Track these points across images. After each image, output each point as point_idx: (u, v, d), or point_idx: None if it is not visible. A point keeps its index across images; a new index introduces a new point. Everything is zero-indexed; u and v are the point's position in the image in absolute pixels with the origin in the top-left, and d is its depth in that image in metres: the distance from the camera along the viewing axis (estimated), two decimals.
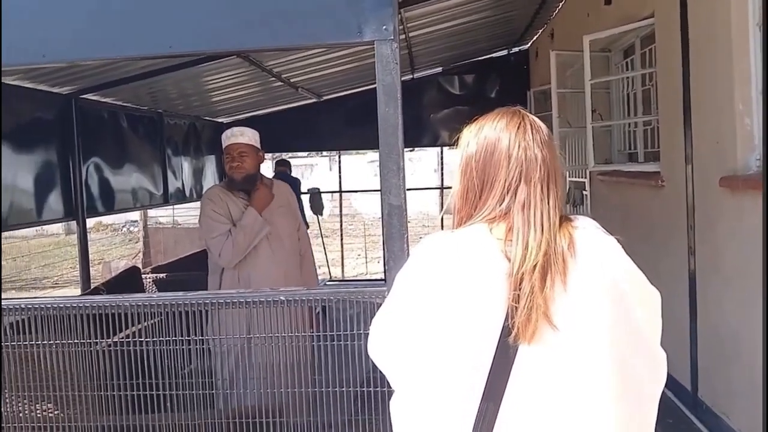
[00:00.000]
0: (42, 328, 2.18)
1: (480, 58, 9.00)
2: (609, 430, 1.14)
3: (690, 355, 3.54)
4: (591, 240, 1.20)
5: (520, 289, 1.11)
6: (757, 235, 2.73)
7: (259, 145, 3.43)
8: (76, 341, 2.16)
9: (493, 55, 9.05)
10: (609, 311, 1.15)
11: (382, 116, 1.46)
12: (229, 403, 2.47)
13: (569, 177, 6.77)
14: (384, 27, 1.44)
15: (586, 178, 5.91)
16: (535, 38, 8.36)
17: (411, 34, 6.34)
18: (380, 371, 1.29)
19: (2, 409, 2.28)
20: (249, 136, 3.38)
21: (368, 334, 1.30)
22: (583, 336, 1.13)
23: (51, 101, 4.92)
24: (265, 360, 2.13)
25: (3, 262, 13.71)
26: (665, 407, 3.65)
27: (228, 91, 7.00)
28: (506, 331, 1.12)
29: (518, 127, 1.24)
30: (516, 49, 9.01)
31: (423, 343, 1.16)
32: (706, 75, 3.19)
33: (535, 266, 1.12)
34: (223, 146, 3.36)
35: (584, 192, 6.11)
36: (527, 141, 1.23)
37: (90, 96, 5.36)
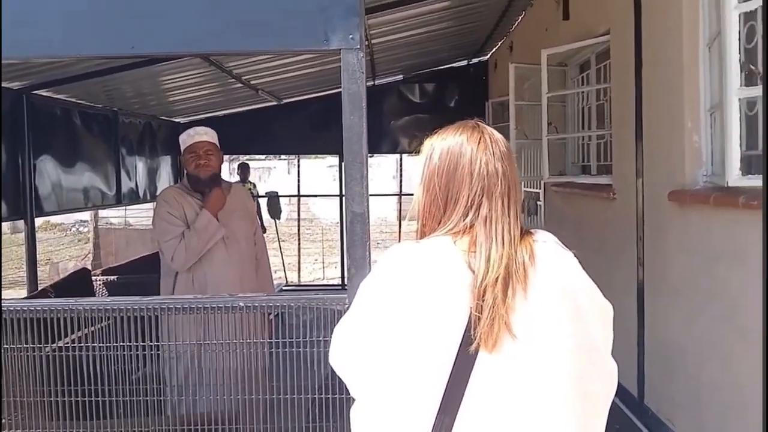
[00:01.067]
0: None
1: (441, 68, 9.13)
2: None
3: (637, 364, 3.64)
4: (551, 253, 1.24)
5: (483, 300, 1.13)
6: (702, 248, 2.84)
7: (219, 146, 3.40)
8: (21, 345, 2.10)
9: (454, 65, 9.19)
10: (567, 322, 1.18)
11: (347, 124, 1.47)
12: (178, 409, 2.43)
13: (524, 187, 6.91)
14: (350, 36, 1.46)
15: (540, 188, 6.04)
16: (494, 50, 8.51)
17: (373, 41, 6.37)
18: (338, 377, 1.29)
19: None
20: (211, 135, 3.35)
21: (325, 340, 1.30)
22: (542, 346, 1.16)
23: (1, 96, 4.76)
24: (216, 366, 2.10)
25: None
26: (613, 413, 3.75)
27: (186, 91, 6.89)
28: (466, 341, 1.13)
29: (479, 142, 1.27)
30: (476, 60, 9.16)
31: (384, 353, 1.17)
32: (657, 92, 3.31)
33: (497, 278, 1.15)
34: (186, 145, 3.29)
35: (538, 202, 6.24)
36: (488, 155, 1.26)
37: (42, 92, 5.21)
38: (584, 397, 1.21)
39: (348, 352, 1.25)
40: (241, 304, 1.63)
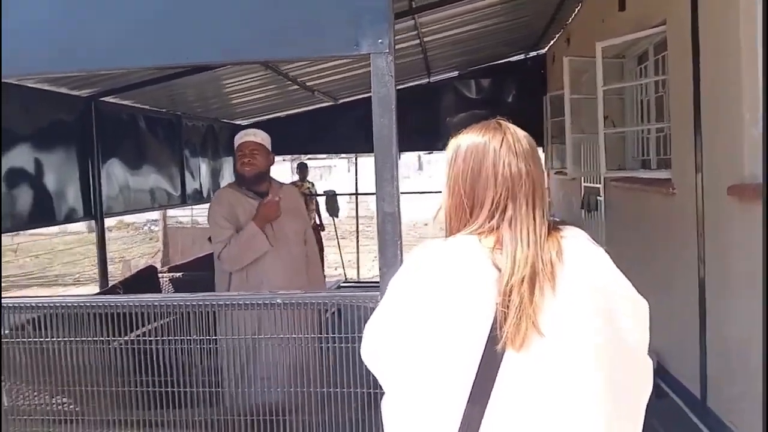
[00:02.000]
0: (58, 325, 2.25)
1: (497, 62, 9.01)
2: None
3: (699, 365, 3.52)
4: (579, 249, 1.23)
5: (509, 300, 1.14)
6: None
7: (270, 147, 3.48)
8: (90, 338, 2.23)
9: (511, 59, 9.06)
10: (596, 318, 1.17)
11: (377, 127, 1.50)
12: (235, 401, 2.52)
13: (584, 182, 6.75)
14: (380, 41, 1.48)
15: (600, 183, 5.89)
16: (551, 43, 8.34)
17: (425, 39, 6.37)
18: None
19: (20, 403, 2.36)
20: (261, 137, 3.44)
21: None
22: (570, 343, 1.15)
23: (71, 104, 5.04)
24: (270, 360, 2.18)
25: (27, 259, 14.00)
26: (674, 415, 3.65)
27: (246, 94, 7.09)
28: (493, 338, 1.14)
29: (502, 143, 1.27)
30: (533, 54, 9.00)
31: (412, 347, 1.19)
32: (715, 84, 3.18)
33: (523, 278, 1.15)
34: (236, 146, 3.42)
35: (599, 198, 6.09)
36: (511, 156, 1.26)
37: (109, 99, 5.48)
38: (615, 395, 1.18)
39: (377, 346, 1.28)
40: (279, 301, 1.69)
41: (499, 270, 1.17)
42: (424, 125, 8.06)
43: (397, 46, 4.91)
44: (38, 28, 1.79)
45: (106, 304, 2.24)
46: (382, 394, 1.25)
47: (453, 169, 1.31)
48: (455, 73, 9.07)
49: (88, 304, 2.26)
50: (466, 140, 1.31)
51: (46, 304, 2.27)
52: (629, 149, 5.18)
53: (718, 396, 3.36)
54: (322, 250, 8.62)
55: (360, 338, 1.93)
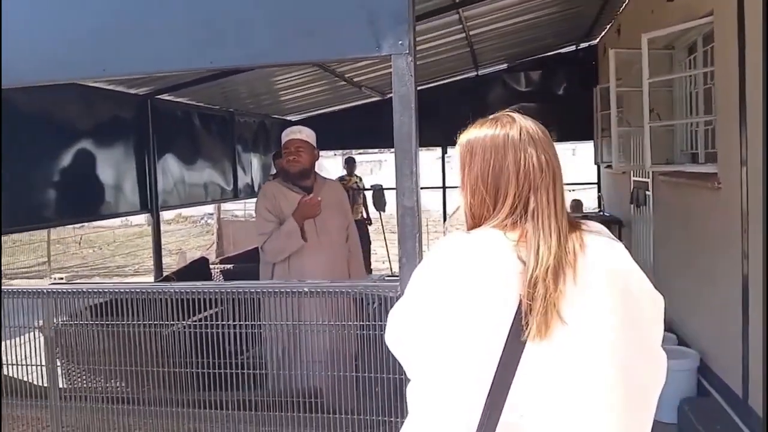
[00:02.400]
0: (117, 310, 2.41)
1: (547, 54, 8.90)
2: (612, 424, 1.20)
3: (742, 363, 3.45)
4: (600, 242, 1.26)
5: (534, 291, 1.16)
6: None
7: (314, 144, 3.61)
8: (144, 323, 2.37)
9: (561, 50, 8.93)
10: (617, 310, 1.20)
11: (398, 124, 1.57)
12: (277, 383, 2.64)
13: (633, 176, 6.63)
14: (400, 42, 1.54)
15: (649, 178, 5.78)
16: (603, 34, 8.19)
17: (471, 33, 6.38)
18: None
19: (78, 384, 2.54)
20: (306, 134, 3.58)
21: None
22: (589, 332, 1.18)
23: (128, 102, 5.30)
24: (307, 345, 2.29)
25: (90, 250, 14.67)
26: (715, 414, 3.59)
27: (295, 90, 7.26)
28: (516, 328, 1.17)
29: (519, 135, 1.28)
30: (584, 45, 8.85)
31: (437, 337, 1.22)
32: (760, 76, 3.11)
33: (547, 269, 1.17)
34: (282, 142, 3.58)
35: (647, 192, 5.98)
36: (531, 149, 1.27)
37: (164, 96, 5.72)
38: (630, 384, 1.22)
39: (401, 333, 1.32)
40: (306, 289, 1.79)
41: (524, 263, 1.19)
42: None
43: (442, 41, 4.97)
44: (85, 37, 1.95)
45: (154, 291, 2.38)
46: (408, 380, 1.31)
47: (473, 165, 1.31)
48: (504, 66, 9.01)
49: (140, 291, 2.41)
50: (481, 134, 1.31)
51: (107, 290, 2.43)
52: (678, 143, 5.07)
53: (760, 395, 3.29)
54: (369, 244, 8.73)
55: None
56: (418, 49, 5.47)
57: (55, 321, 2.20)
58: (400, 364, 1.33)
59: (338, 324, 2.13)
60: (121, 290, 2.28)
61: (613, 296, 1.21)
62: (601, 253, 1.24)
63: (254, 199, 8.32)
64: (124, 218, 13.85)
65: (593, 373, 1.18)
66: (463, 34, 6.32)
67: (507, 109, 1.36)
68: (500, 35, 7.01)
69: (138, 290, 2.26)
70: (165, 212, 5.95)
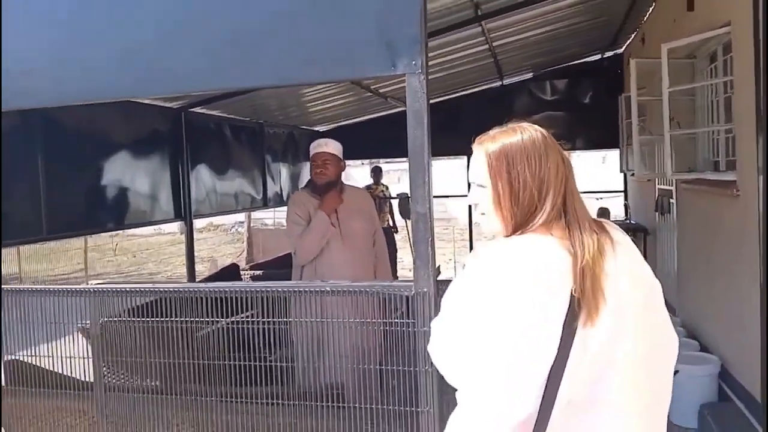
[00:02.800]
0: (156, 309, 2.56)
1: (572, 63, 8.95)
2: (642, 401, 1.32)
3: (760, 369, 3.49)
4: (616, 232, 1.40)
5: (584, 278, 1.25)
6: None
7: (341, 156, 3.77)
8: (185, 319, 2.52)
9: (587, 59, 8.97)
10: (640, 292, 1.34)
11: (411, 138, 1.70)
12: (306, 378, 2.78)
13: (658, 185, 6.65)
14: (413, 62, 1.67)
15: (672, 185, 5.81)
16: (628, 42, 8.22)
17: (494, 44, 6.49)
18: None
19: (120, 378, 2.72)
20: (333, 147, 3.74)
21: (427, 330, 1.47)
22: (626, 314, 1.29)
23: (163, 114, 5.54)
24: (332, 342, 2.42)
25: (124, 258, 15.08)
26: (736, 420, 3.62)
27: (323, 102, 7.45)
28: (570, 315, 1.24)
29: (547, 141, 1.38)
30: (610, 53, 8.88)
31: (493, 345, 1.24)
32: None
33: (593, 257, 1.27)
34: (311, 154, 3.76)
35: (671, 200, 6.00)
36: (557, 152, 1.38)
37: (197, 109, 5.95)
38: (662, 361, 1.38)
39: (450, 346, 1.34)
40: (328, 288, 1.93)
41: (572, 255, 1.27)
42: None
43: (465, 53, 5.10)
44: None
45: (190, 290, 2.54)
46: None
47: (513, 171, 1.35)
48: (529, 75, 9.08)
49: (178, 290, 2.57)
50: (515, 140, 1.37)
51: (148, 290, 2.59)
52: (700, 151, 5.11)
53: None
54: (396, 252, 8.85)
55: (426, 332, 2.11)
56: (442, 61, 5.63)
57: (99, 319, 2.37)
58: (419, 358, 1.44)
59: (361, 321, 2.27)
60: (162, 289, 2.44)
61: (635, 280, 1.34)
62: (623, 246, 1.37)
63: (283, 208, 8.53)
64: (156, 227, 14.21)
65: (627, 353, 1.29)
66: (487, 46, 6.44)
67: (515, 120, 1.43)
68: (523, 46, 7.11)
69: (176, 290, 2.43)
70: (197, 221, 6.15)
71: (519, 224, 1.36)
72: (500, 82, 8.79)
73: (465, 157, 9.57)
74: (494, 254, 1.30)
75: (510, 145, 1.38)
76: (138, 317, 2.58)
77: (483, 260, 1.32)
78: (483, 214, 1.42)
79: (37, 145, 4.07)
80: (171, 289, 2.37)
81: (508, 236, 1.37)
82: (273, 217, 15.60)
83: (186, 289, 2.43)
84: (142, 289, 2.51)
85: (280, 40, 1.80)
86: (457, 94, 8.69)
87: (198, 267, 9.23)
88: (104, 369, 2.40)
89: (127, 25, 1.93)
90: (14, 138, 3.83)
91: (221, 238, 18.68)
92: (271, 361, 2.31)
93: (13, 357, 2.57)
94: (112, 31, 1.99)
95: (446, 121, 8.75)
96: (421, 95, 1.68)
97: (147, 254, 15.23)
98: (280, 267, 6.56)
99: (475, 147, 1.45)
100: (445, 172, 13.03)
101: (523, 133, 1.39)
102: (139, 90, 2.07)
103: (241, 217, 15.06)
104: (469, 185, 1.45)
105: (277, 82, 2.02)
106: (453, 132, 8.42)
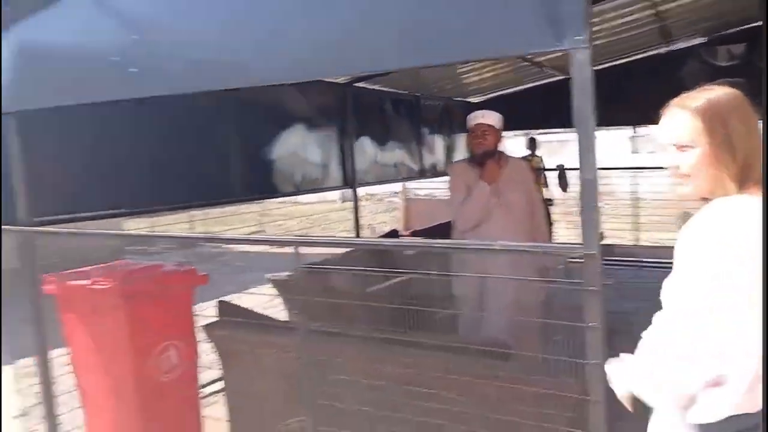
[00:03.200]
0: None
1: (751, 25, 8.16)
2: None
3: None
4: None
5: None
6: None
7: (499, 127, 3.92)
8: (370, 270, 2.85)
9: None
10: None
11: (577, 111, 1.81)
12: (467, 330, 3.03)
13: None
14: (577, 37, 1.77)
15: None
16: None
17: (660, 8, 6.17)
18: None
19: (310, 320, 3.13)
20: (491, 118, 3.90)
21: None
22: None
23: (331, 90, 5.98)
24: (493, 298, 2.62)
25: (292, 222, 16.28)
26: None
27: (476, 72, 7.53)
28: None
29: (744, 100, 1.43)
30: None
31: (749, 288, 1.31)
32: None
33: None
34: (468, 126, 3.94)
35: None
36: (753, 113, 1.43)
37: (361, 84, 6.35)
38: None
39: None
40: (497, 247, 2.12)
41: None
42: (661, 98, 7.67)
43: (627, 18, 4.97)
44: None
45: (376, 244, 2.87)
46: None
47: (729, 128, 1.38)
48: (702, 39, 8.43)
49: (369, 244, 2.92)
50: (723, 97, 1.40)
51: (347, 242, 2.96)
52: None
53: None
54: (551, 225, 8.77)
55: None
56: (604, 27, 5.46)
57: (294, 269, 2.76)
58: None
59: (520, 279, 2.46)
60: (356, 243, 2.78)
61: None
62: None
63: (438, 179, 8.77)
64: (319, 194, 15.13)
65: None
66: (653, 10, 6.14)
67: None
68: (693, 9, 6.66)
69: (370, 244, 2.76)
70: (359, 189, 6.60)
71: (740, 182, 1.38)
72: (666, 48, 8.28)
73: (630, 128, 9.11)
74: (731, 218, 1.31)
75: (718, 102, 1.41)
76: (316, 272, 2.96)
77: (721, 225, 1.31)
78: (688, 176, 1.43)
79: (231, 122, 4.63)
80: (365, 243, 2.69)
81: (722, 196, 1.38)
82: (426, 187, 15.97)
83: (377, 244, 2.75)
84: (342, 242, 2.87)
85: (450, 21, 1.97)
86: (618, 62, 8.32)
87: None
88: (295, 313, 2.80)
89: (328, 9, 2.20)
90: (211, 114, 4.42)
91: (377, 207, 19.47)
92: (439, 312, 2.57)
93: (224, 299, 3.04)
94: (308, 20, 2.29)
95: (605, 91, 8.35)
96: (586, 68, 1.78)
97: (312, 220, 16.33)
98: (435, 235, 6.83)
99: (673, 109, 1.47)
100: (609, 143, 12.46)
101: (726, 92, 1.42)
102: (339, 70, 2.32)
103: (395, 187, 15.58)
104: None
105: (449, 60, 2.20)
106: (612, 103, 8.09)
